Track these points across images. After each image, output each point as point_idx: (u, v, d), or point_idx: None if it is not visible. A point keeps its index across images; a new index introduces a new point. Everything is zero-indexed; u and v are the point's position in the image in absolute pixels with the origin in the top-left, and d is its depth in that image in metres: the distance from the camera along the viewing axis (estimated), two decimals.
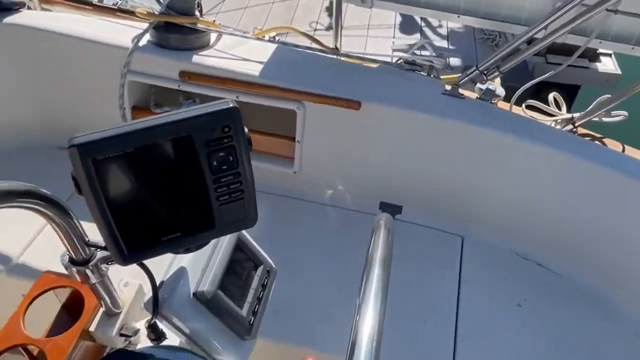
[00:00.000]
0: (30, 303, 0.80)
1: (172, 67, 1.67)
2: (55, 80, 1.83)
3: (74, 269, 0.72)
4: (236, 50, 1.73)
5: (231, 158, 0.61)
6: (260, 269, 0.88)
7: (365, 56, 1.84)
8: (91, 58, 1.73)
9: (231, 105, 0.60)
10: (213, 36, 1.76)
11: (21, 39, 1.75)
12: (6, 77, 1.82)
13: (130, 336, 0.81)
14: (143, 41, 1.69)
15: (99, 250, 0.72)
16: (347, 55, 1.82)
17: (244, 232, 0.89)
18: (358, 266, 0.81)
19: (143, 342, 0.83)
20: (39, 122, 1.90)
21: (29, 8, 1.82)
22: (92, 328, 0.80)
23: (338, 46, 1.86)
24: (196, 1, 1.69)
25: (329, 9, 4.78)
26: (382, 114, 1.64)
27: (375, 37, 4.67)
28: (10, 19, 1.74)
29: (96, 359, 0.75)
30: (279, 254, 0.98)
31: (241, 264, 0.86)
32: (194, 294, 0.78)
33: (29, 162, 1.77)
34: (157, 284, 0.76)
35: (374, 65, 1.78)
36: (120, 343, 0.82)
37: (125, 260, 0.62)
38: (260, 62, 1.69)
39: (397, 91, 1.67)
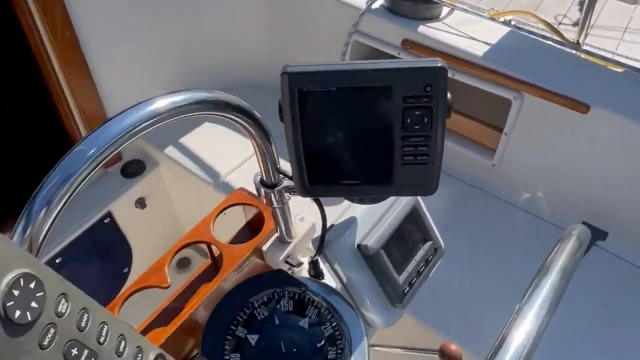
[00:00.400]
0: (222, 211, 0.90)
1: (397, 33, 1.68)
2: (287, 28, 2.00)
3: (262, 190, 0.79)
4: (464, 28, 1.67)
5: (426, 119, 0.59)
6: (428, 245, 0.86)
7: (611, 57, 1.61)
8: (326, 13, 1.84)
9: (439, 64, 0.57)
10: (445, 10, 1.73)
11: None
12: (252, 18, 2.04)
13: (293, 265, 0.87)
14: (376, 4, 1.74)
15: (285, 178, 0.78)
16: (588, 53, 1.61)
17: (421, 204, 0.87)
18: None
19: (303, 275, 0.89)
20: (264, 64, 2.10)
21: None
22: (264, 248, 0.88)
23: (581, 42, 1.66)
24: None
25: (581, 3, 4.28)
26: (613, 124, 1.43)
27: (630, 42, 4.06)
28: None
29: None
30: (452, 241, 0.94)
31: (410, 233, 0.85)
32: (358, 246, 0.80)
33: (249, 96, 1.99)
34: (328, 225, 0.80)
35: (618, 69, 1.55)
36: (284, 269, 0.89)
37: (305, 192, 0.66)
38: (487, 44, 1.61)
39: (639, 102, 1.43)
